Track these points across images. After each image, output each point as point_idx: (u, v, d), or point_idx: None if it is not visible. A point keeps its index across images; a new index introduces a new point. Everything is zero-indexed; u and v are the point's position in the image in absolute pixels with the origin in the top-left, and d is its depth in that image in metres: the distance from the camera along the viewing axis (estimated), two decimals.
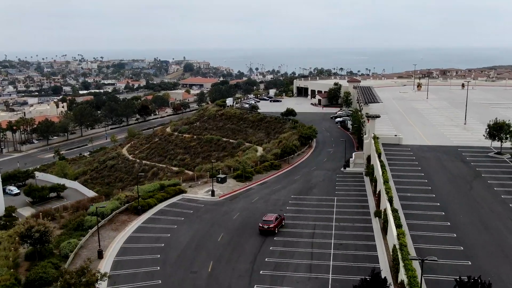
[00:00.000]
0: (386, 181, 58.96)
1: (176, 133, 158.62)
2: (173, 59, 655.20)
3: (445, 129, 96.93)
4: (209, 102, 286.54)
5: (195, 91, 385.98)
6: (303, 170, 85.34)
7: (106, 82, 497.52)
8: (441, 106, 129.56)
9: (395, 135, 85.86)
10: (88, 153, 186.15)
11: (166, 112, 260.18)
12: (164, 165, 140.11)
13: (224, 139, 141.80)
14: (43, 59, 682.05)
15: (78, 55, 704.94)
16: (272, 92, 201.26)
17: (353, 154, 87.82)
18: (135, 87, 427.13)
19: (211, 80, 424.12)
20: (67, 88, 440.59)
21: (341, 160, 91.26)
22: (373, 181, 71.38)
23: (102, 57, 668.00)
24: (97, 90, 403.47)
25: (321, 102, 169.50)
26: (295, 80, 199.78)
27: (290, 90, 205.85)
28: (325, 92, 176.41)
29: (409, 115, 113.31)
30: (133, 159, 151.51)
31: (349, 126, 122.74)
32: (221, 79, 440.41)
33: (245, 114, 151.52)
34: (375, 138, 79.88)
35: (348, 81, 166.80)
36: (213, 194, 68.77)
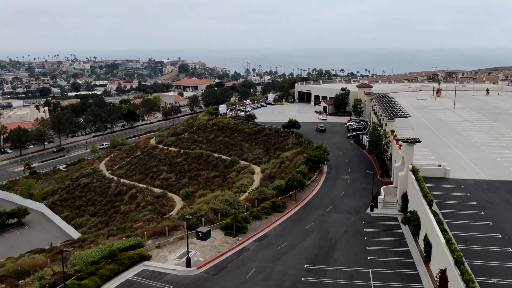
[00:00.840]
0: (460, 261, 36.43)
1: (161, 146, 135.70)
2: (168, 59, 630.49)
3: (495, 153, 74.25)
4: (203, 106, 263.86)
5: (189, 93, 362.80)
6: (316, 213, 62.45)
7: (97, 83, 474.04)
8: (473, 117, 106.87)
9: (439, 165, 63.04)
10: (64, 166, 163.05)
11: (156, 118, 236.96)
12: (145, 186, 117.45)
13: (216, 154, 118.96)
14: (34, 59, 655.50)
15: (71, 55, 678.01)
16: (270, 97, 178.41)
17: (382, 189, 65.11)
18: (126, 88, 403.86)
19: (206, 81, 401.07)
20: (56, 90, 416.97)
21: (364, 193, 68.80)
22: (423, 239, 48.94)
23: (95, 57, 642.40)
24: (87, 92, 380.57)
25: (327, 110, 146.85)
26: (296, 84, 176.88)
27: (291, 94, 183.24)
28: (331, 98, 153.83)
29: (441, 131, 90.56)
30: (111, 176, 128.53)
31: (365, 142, 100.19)
32: (216, 80, 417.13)
33: (240, 124, 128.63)
34: (416, 172, 57.26)
35: (358, 86, 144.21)
36: (188, 263, 45.83)
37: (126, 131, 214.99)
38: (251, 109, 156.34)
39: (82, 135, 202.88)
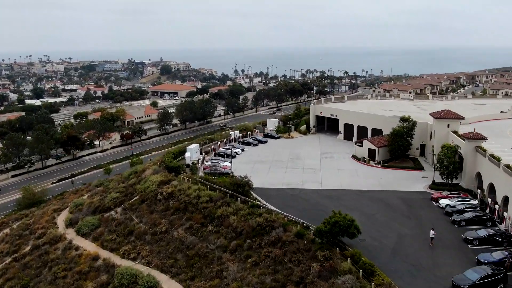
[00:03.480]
0: None
1: (69, 234, 67.83)
2: (150, 60, 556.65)
3: None
4: (178, 124, 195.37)
5: (166, 100, 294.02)
6: None
7: (67, 87, 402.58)
8: None
9: None
10: None
11: (112, 142, 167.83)
12: None
13: (164, 284, 51.47)
14: (3, 60, 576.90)
15: (44, 55, 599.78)
16: (271, 123, 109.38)
17: None
18: (96, 94, 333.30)
19: (186, 87, 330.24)
20: (14, 96, 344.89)
21: None
22: None
23: (70, 58, 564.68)
24: (49, 100, 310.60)
25: (376, 155, 79.89)
26: (312, 104, 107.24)
27: (300, 115, 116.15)
28: (375, 131, 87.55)
29: None
30: None
31: None
32: (199, 86, 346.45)
33: (221, 202, 60.09)
34: None
35: (435, 117, 76.47)
36: None
37: (64, 164, 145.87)
38: (242, 150, 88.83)
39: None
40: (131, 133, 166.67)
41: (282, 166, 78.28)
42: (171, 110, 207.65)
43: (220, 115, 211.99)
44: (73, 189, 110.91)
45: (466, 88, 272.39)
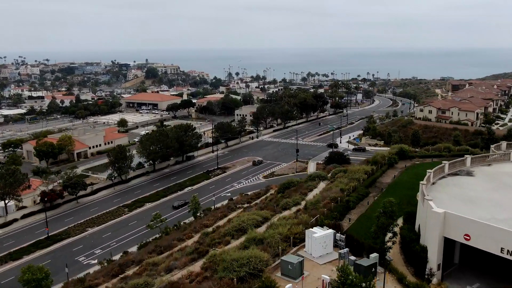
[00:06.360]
0: None
1: None
2: (134, 62, 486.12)
3: None
4: (144, 163, 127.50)
5: (143, 115, 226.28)
6: None
7: (34, 94, 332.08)
8: None
9: None
10: None
11: (34, 203, 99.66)
12: None
13: None
14: None
15: (19, 57, 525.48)
16: (319, 249, 39.93)
17: None
18: (64, 104, 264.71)
19: (169, 97, 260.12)
20: None
21: None
22: None
23: (47, 60, 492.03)
24: (4, 112, 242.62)
25: None
26: (436, 209, 36.86)
27: (381, 206, 48.73)
28: None
29: None
30: None
31: None
32: (186, 93, 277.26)
33: None
34: None
35: None
36: None
37: None
38: None
39: None
40: (61, 190, 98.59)
41: None
42: (142, 132, 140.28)
43: (207, 144, 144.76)
44: None
45: None
